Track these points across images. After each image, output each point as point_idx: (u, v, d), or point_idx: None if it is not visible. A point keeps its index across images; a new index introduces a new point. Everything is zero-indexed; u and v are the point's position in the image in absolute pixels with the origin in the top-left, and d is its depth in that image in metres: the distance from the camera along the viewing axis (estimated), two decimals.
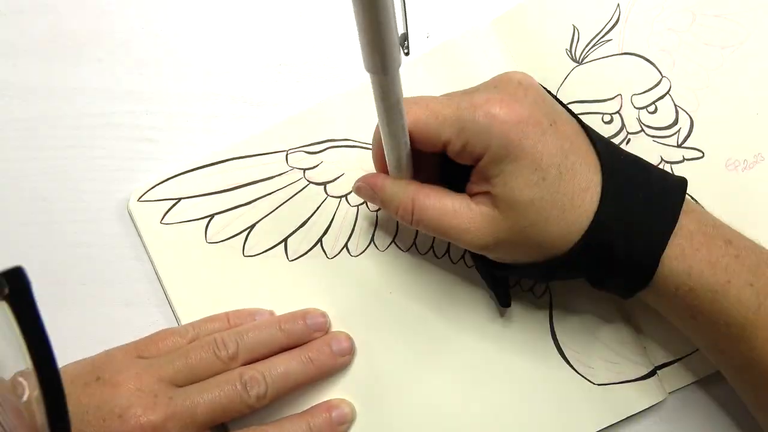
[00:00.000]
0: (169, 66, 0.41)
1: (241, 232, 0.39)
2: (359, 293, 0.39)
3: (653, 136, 0.39)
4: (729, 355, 0.33)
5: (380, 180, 0.35)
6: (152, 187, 0.40)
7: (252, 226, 0.39)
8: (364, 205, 0.40)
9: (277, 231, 0.39)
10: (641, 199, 0.32)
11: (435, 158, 0.35)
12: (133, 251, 0.40)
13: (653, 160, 0.39)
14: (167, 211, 0.39)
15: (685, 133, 0.39)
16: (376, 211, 0.40)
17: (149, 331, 0.39)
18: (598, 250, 0.32)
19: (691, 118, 0.39)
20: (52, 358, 0.21)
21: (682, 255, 0.31)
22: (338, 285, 0.39)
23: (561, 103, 0.34)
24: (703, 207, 0.37)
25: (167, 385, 0.34)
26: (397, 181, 0.34)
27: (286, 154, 0.40)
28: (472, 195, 0.33)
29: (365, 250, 0.39)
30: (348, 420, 0.37)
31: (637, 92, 0.39)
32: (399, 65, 0.25)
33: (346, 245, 0.39)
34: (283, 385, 0.35)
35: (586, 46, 0.39)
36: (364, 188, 0.35)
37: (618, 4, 0.39)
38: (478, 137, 0.31)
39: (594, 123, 0.37)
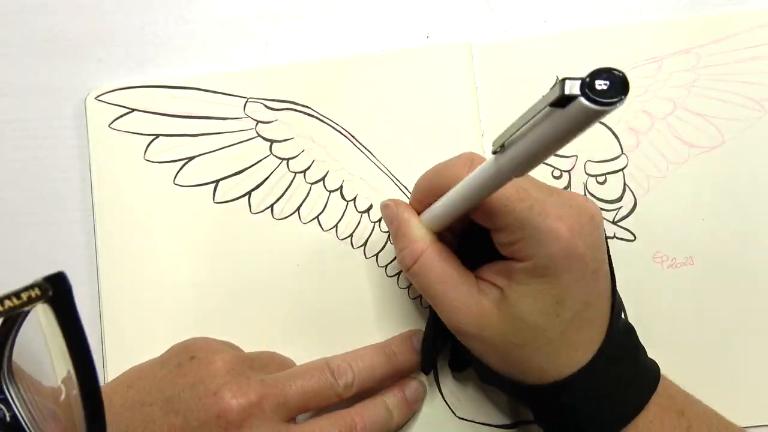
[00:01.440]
0: (169, 66, 0.41)
1: (178, 160, 0.40)
2: (269, 256, 0.39)
3: None
4: None
5: (407, 213, 0.34)
6: (113, 90, 0.40)
7: (191, 158, 0.40)
8: (303, 175, 0.40)
9: (213, 170, 0.40)
10: (621, 380, 0.32)
11: (466, 219, 0.34)
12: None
13: None
14: (118, 117, 0.40)
15: (625, 213, 0.40)
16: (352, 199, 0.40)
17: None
18: (560, 405, 0.31)
19: (636, 200, 0.40)
20: (91, 361, 0.21)
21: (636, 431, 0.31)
22: (253, 241, 0.39)
23: (608, 252, 0.33)
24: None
25: (258, 371, 0.34)
26: (421, 225, 0.33)
27: (246, 101, 0.40)
28: (481, 278, 0.32)
29: (288, 216, 0.40)
30: (421, 397, 0.38)
31: (593, 159, 0.40)
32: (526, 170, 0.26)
33: (272, 206, 0.40)
34: (369, 376, 0.36)
35: None
36: (391, 209, 0.34)
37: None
38: (531, 243, 0.30)
39: (544, 173, 0.39)
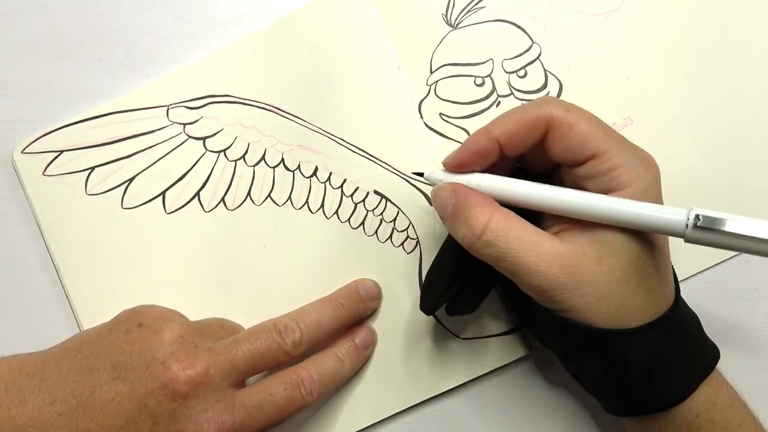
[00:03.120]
0: (169, 66, 0.41)
1: (120, 185, 0.40)
2: (234, 246, 0.40)
3: (522, 99, 0.40)
4: None
5: (466, 190, 0.32)
6: (35, 140, 0.40)
7: (131, 179, 0.40)
8: (242, 160, 0.40)
9: (156, 184, 0.40)
10: (695, 334, 0.32)
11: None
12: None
13: None
14: (49, 163, 0.40)
15: (554, 95, 0.40)
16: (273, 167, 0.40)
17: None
18: (649, 348, 0.30)
19: (560, 82, 0.40)
20: None
21: (714, 392, 0.31)
22: (215, 239, 0.40)
23: None
24: None
25: (207, 339, 0.34)
26: (483, 196, 0.32)
27: (167, 109, 0.40)
28: (553, 232, 0.31)
29: (241, 204, 0.40)
30: (372, 342, 0.38)
31: (508, 57, 0.40)
32: None
33: (222, 199, 0.40)
34: (317, 332, 0.36)
35: (461, 12, 0.41)
36: (443, 194, 0.32)
37: None
38: (632, 169, 0.30)
39: (467, 85, 0.40)
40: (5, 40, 0.41)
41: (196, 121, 0.40)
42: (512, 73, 0.40)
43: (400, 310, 0.39)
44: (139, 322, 0.33)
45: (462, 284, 0.34)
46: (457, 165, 0.33)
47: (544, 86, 0.40)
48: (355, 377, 0.39)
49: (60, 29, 0.42)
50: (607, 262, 0.30)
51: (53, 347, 0.34)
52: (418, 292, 0.39)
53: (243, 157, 0.40)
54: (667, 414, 0.31)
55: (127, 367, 0.32)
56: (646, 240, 0.30)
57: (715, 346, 0.33)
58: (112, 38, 0.42)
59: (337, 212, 0.40)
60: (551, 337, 0.34)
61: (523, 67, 0.40)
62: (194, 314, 0.37)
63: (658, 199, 0.31)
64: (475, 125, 0.38)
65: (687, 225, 0.28)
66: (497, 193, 0.32)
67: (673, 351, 0.31)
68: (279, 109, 0.40)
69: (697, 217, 0.28)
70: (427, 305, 0.35)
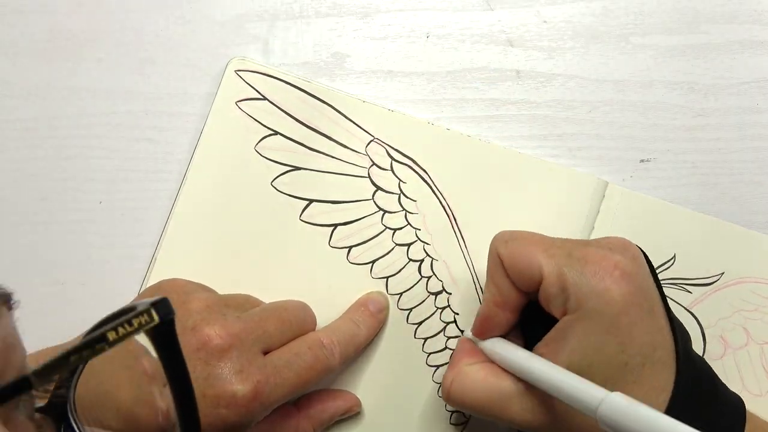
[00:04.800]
0: (169, 66, 0.41)
1: (284, 164, 0.39)
2: (327, 292, 0.39)
3: None
4: None
5: (464, 344, 0.35)
6: (254, 71, 0.40)
7: (296, 168, 0.39)
8: (393, 232, 0.39)
9: (311, 189, 0.39)
10: (706, 416, 0.29)
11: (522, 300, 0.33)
12: (136, 240, 0.40)
13: None
14: (248, 99, 0.39)
15: None
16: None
17: None
18: None
19: None
20: (194, 399, 0.21)
21: None
22: (320, 272, 0.39)
23: (659, 286, 0.32)
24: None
25: (234, 310, 0.34)
26: (463, 352, 0.34)
27: (371, 141, 0.39)
28: (540, 352, 0.31)
29: (361, 264, 0.39)
30: (385, 306, 0.39)
31: None
32: None
33: (350, 248, 0.39)
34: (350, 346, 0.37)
35: (670, 279, 0.39)
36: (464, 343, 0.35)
37: (723, 272, 0.39)
38: (578, 289, 0.29)
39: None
40: (5, 40, 0.41)
41: (385, 170, 0.39)
42: None
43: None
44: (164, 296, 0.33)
45: None
46: (477, 334, 0.35)
47: None
48: None
49: (60, 29, 0.42)
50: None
51: None
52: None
53: (395, 230, 0.39)
54: None
55: None
56: (618, 359, 0.29)
57: (738, 401, 0.31)
58: (112, 38, 0.42)
59: (426, 340, 0.39)
60: None
61: None
62: None
63: (622, 310, 0.29)
64: None
65: (596, 410, 0.26)
66: (490, 354, 0.33)
67: None
68: (456, 221, 0.39)
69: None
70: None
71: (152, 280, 0.39)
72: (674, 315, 0.31)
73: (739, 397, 0.32)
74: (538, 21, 0.42)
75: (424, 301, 0.39)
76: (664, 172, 0.41)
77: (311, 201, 0.39)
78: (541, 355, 0.31)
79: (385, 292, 0.39)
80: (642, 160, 0.40)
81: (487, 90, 0.41)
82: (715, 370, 0.33)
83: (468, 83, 0.41)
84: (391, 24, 0.42)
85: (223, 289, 0.38)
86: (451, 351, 0.38)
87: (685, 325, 0.34)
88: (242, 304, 0.36)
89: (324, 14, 0.42)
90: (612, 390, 0.27)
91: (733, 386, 0.35)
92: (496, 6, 0.42)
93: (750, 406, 0.34)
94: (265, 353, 0.33)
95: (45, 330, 0.40)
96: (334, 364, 0.34)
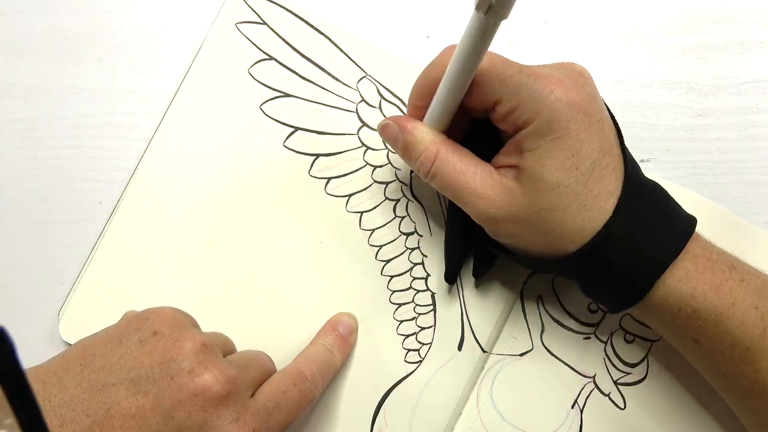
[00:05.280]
0: (169, 66, 0.41)
1: (275, 90, 0.40)
2: (339, 234, 0.39)
3: (608, 355, 0.39)
4: (732, 378, 0.32)
5: (410, 123, 0.34)
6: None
7: (287, 95, 0.40)
8: (385, 186, 0.40)
9: (300, 117, 0.40)
10: (652, 221, 0.32)
11: (464, 124, 0.35)
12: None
13: (593, 367, 0.38)
14: (248, 22, 0.40)
15: (630, 381, 0.39)
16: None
17: None
18: (599, 259, 0.31)
19: (647, 375, 0.38)
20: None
21: (686, 277, 0.31)
22: (302, 210, 0.40)
23: (607, 107, 0.34)
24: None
25: (220, 352, 0.34)
26: (428, 128, 0.34)
27: (365, 76, 0.40)
28: (497, 167, 0.33)
29: (354, 213, 0.40)
30: (354, 329, 0.39)
31: (634, 316, 0.39)
32: (509, 11, 0.27)
33: (349, 196, 0.40)
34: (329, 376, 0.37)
35: None
36: (391, 127, 0.35)
37: None
38: (530, 104, 0.31)
39: (582, 301, 0.39)
40: (5, 40, 0.41)
41: (374, 107, 0.40)
42: (623, 331, 0.39)
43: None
44: (153, 331, 0.31)
45: (469, 247, 0.37)
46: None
47: (634, 365, 0.38)
48: None
49: (60, 29, 0.42)
50: (530, 194, 0.31)
51: (48, 362, 0.31)
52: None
53: (375, 167, 0.40)
54: (653, 309, 0.32)
55: (149, 380, 0.30)
56: (569, 162, 0.31)
57: (690, 218, 0.33)
58: (112, 38, 0.42)
59: (392, 278, 0.39)
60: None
61: (636, 336, 0.38)
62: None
63: (573, 118, 0.31)
64: (554, 332, 0.39)
65: None
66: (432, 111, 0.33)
67: (623, 248, 0.31)
68: None
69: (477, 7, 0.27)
70: (448, 277, 0.38)
71: (129, 192, 0.40)
72: (623, 140, 0.33)
73: (692, 216, 0.33)
74: (538, 21, 0.42)
75: (395, 240, 0.39)
76: (665, 172, 0.41)
77: (297, 129, 0.40)
78: (504, 165, 0.33)
79: (353, 314, 0.39)
80: (642, 160, 0.40)
81: None
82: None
83: None
84: (391, 24, 0.42)
85: (204, 206, 0.39)
86: (415, 292, 0.39)
87: None
88: (224, 344, 0.36)
89: (324, 14, 0.42)
90: (564, 194, 0.31)
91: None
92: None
93: (697, 381, 0.36)
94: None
95: (45, 330, 0.40)
96: (316, 396, 0.34)
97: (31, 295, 0.40)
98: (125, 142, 0.41)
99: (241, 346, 0.36)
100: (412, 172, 0.40)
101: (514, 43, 0.41)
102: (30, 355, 0.39)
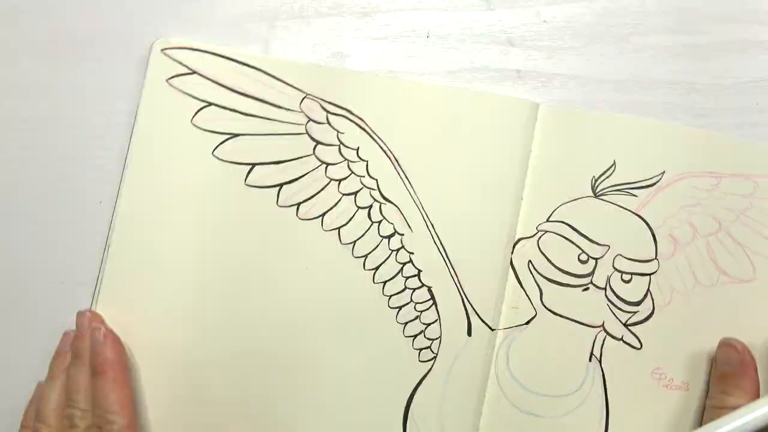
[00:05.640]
0: None
1: (222, 134, 0.40)
2: (282, 253, 0.39)
3: (611, 300, 0.39)
4: None
5: None
6: (180, 48, 0.40)
7: (235, 135, 0.40)
8: (337, 183, 0.40)
9: (253, 153, 0.40)
10: None
11: None
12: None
13: (595, 318, 0.39)
14: (179, 75, 0.40)
15: (639, 319, 0.39)
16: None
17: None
18: None
19: (653, 309, 0.39)
20: None
21: None
22: (271, 233, 0.39)
23: None
24: None
25: None
26: None
27: (304, 97, 0.40)
28: None
29: (311, 219, 0.39)
30: (93, 322, 0.38)
31: (625, 255, 0.39)
32: None
33: (299, 204, 0.40)
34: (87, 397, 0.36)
35: (612, 186, 0.39)
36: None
37: (663, 171, 0.40)
38: None
39: (570, 254, 0.39)
40: (5, 40, 0.41)
41: (321, 123, 0.40)
42: (619, 272, 0.39)
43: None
44: None
45: None
46: None
47: (638, 303, 0.39)
48: None
49: (60, 29, 0.42)
50: None
51: None
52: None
53: (340, 180, 0.40)
54: None
55: None
56: None
57: None
58: (112, 38, 0.42)
59: (385, 284, 0.39)
60: None
61: (632, 273, 0.39)
62: (213, 287, 0.39)
63: None
64: (552, 292, 0.39)
65: None
66: None
67: None
68: (398, 163, 0.39)
69: None
70: None
71: (108, 273, 0.39)
72: None
73: None
74: (538, 21, 0.42)
75: (378, 245, 0.39)
76: None
77: (254, 165, 0.40)
78: None
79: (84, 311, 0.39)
80: None
81: (487, 90, 0.41)
82: (669, 270, 0.38)
83: (468, 83, 0.41)
84: (391, 24, 0.42)
85: (180, 266, 0.39)
86: (411, 290, 0.39)
87: (635, 230, 0.39)
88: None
89: (324, 14, 0.42)
90: None
91: (687, 282, 0.39)
92: (496, 6, 0.42)
93: (703, 298, 0.39)
94: None
95: (45, 330, 0.40)
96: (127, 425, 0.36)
97: (30, 294, 0.40)
98: (125, 142, 0.41)
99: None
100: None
101: (514, 43, 0.41)
102: (29, 355, 0.39)
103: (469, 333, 0.39)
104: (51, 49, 0.41)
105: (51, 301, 0.40)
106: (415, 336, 0.39)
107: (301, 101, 0.40)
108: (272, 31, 0.42)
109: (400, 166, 0.40)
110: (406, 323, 0.39)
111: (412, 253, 0.39)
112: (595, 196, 0.39)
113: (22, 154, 0.41)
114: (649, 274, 0.39)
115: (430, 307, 0.39)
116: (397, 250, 0.39)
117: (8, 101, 0.41)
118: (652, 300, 0.39)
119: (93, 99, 0.41)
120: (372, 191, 0.40)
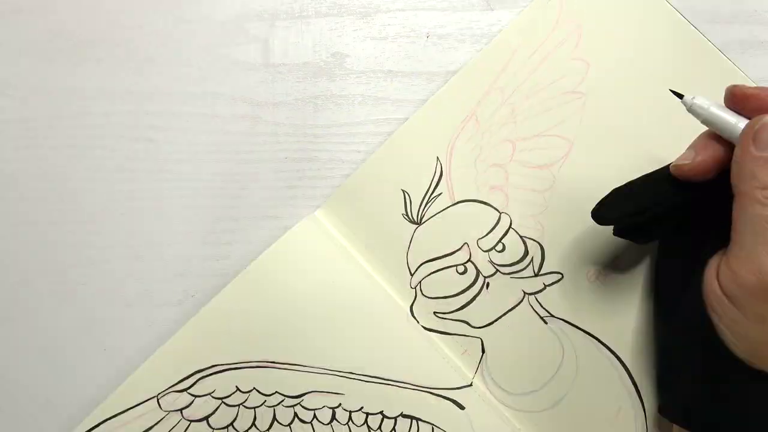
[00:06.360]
0: (169, 66, 0.41)
1: None
2: None
3: (509, 273, 0.39)
4: None
5: None
6: None
7: None
8: (254, 427, 0.38)
9: None
10: None
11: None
12: (136, 239, 0.40)
13: (516, 296, 0.39)
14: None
15: (539, 261, 0.39)
16: None
17: (149, 331, 0.39)
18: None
19: (539, 244, 0.39)
20: None
21: None
22: None
23: None
24: None
25: None
26: None
27: (157, 400, 0.38)
28: None
29: None
30: None
31: (481, 235, 0.39)
32: None
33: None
34: None
35: (420, 205, 0.39)
36: None
37: (437, 157, 0.40)
38: None
39: (450, 277, 0.39)
40: (5, 40, 0.41)
41: (191, 403, 0.38)
42: (490, 250, 0.39)
43: None
44: None
45: (648, 216, 0.33)
46: (744, 97, 0.31)
47: (526, 253, 0.39)
48: None
49: (60, 29, 0.42)
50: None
51: None
52: None
53: (253, 424, 0.38)
54: None
55: None
56: None
57: None
58: (112, 38, 0.42)
59: None
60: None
61: (499, 241, 0.39)
62: None
63: None
64: (471, 314, 0.39)
65: None
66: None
67: None
68: (274, 362, 0.38)
69: None
70: (602, 215, 0.34)
71: None
72: None
73: None
74: None
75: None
76: None
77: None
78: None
79: None
80: None
81: None
82: (517, 209, 0.39)
83: None
84: (391, 24, 0.42)
85: None
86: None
87: (468, 212, 0.39)
88: None
89: (324, 14, 0.42)
90: None
91: (534, 199, 0.39)
92: (496, 6, 0.42)
93: (551, 196, 0.38)
94: None
95: (45, 330, 0.40)
96: None
97: (30, 294, 0.40)
98: (125, 142, 0.41)
99: None
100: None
101: None
102: (27, 354, 0.40)
103: (462, 407, 0.38)
104: (51, 49, 0.41)
105: (51, 301, 0.40)
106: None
107: (159, 405, 0.38)
108: (272, 31, 0.42)
109: (282, 363, 0.38)
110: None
111: (364, 406, 0.38)
112: (419, 223, 0.40)
113: (22, 154, 0.41)
114: (510, 227, 0.39)
115: (418, 426, 0.38)
116: (349, 419, 0.38)
117: (8, 101, 0.41)
118: (532, 240, 0.39)
119: (93, 99, 0.41)
120: (283, 401, 0.38)
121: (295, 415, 0.38)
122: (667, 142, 0.37)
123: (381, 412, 0.38)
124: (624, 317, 0.38)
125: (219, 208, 0.41)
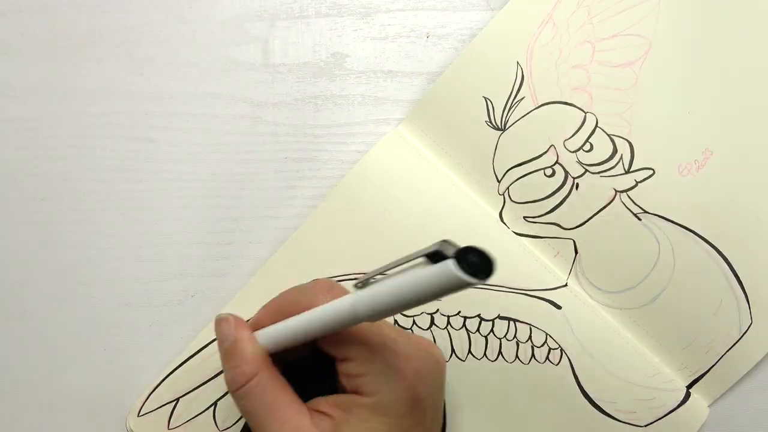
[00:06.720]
0: (169, 66, 0.41)
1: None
2: None
3: (599, 173, 0.39)
4: None
5: (244, 332, 0.32)
6: (147, 399, 0.38)
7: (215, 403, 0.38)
8: None
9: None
10: None
11: (304, 350, 0.33)
12: (136, 240, 0.40)
13: (607, 196, 0.39)
14: (170, 415, 0.38)
15: (629, 158, 0.39)
16: None
17: (149, 331, 0.39)
18: None
19: (628, 141, 0.39)
20: None
21: None
22: None
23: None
24: None
25: None
26: (257, 346, 0.31)
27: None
28: (314, 409, 0.31)
29: None
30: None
31: (567, 137, 0.39)
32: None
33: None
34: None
35: (503, 111, 0.39)
36: (227, 326, 0.32)
37: (517, 62, 0.40)
38: (380, 378, 0.30)
39: (539, 180, 0.39)
40: (5, 40, 0.41)
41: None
42: (577, 150, 0.39)
43: (569, 423, 0.38)
44: None
45: None
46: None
47: (615, 151, 0.39)
48: None
49: (60, 29, 0.42)
50: None
51: None
52: (580, 397, 0.38)
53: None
54: None
55: None
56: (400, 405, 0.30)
57: None
58: (112, 38, 0.42)
59: (470, 351, 0.38)
60: None
61: (587, 140, 0.39)
62: None
63: (411, 410, 0.30)
64: (562, 216, 0.39)
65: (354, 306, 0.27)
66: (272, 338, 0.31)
67: None
68: (363, 273, 0.38)
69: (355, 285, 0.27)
70: None
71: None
72: None
73: None
74: None
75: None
76: None
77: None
78: (324, 413, 0.30)
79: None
80: None
81: None
82: (602, 108, 0.39)
83: None
84: (391, 24, 0.42)
85: None
86: (530, 345, 0.38)
87: (552, 115, 0.39)
88: None
89: (324, 14, 0.42)
90: None
91: (619, 98, 0.39)
92: (496, 6, 0.42)
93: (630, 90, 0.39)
94: None
95: (45, 330, 0.40)
96: None
97: (30, 294, 0.40)
98: (125, 142, 0.41)
99: None
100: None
101: None
102: (27, 354, 0.40)
103: (559, 307, 0.38)
104: (51, 49, 0.41)
105: (51, 301, 0.40)
106: (532, 355, 0.38)
107: None
108: (272, 31, 0.42)
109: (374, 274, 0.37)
110: (516, 356, 0.38)
111: (460, 311, 0.38)
112: (504, 129, 0.39)
113: (22, 154, 0.41)
114: (596, 127, 0.39)
115: (516, 327, 0.38)
116: (448, 323, 0.38)
117: (8, 101, 0.41)
118: (620, 137, 0.39)
119: (93, 99, 0.41)
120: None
121: (396, 322, 0.38)
122: (750, 37, 0.38)
123: (478, 315, 0.38)
124: (721, 209, 0.38)
125: (219, 208, 0.41)
